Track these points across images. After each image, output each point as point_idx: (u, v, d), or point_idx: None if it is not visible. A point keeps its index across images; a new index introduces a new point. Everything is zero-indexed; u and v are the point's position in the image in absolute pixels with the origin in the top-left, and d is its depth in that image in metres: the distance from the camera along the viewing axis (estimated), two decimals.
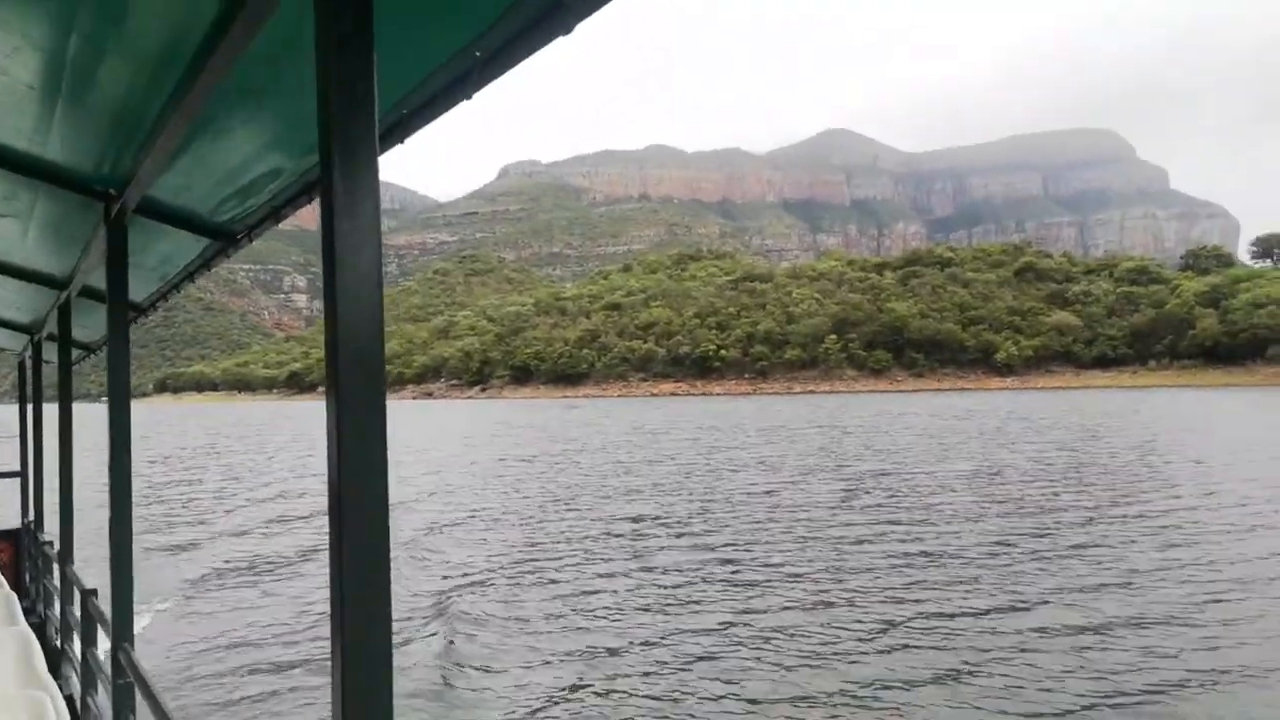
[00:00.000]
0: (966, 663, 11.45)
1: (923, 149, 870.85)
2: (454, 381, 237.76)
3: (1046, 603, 14.48)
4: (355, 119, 1.51)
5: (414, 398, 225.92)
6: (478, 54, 1.87)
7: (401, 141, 2.31)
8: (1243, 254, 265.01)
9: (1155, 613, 13.73)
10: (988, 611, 13.97)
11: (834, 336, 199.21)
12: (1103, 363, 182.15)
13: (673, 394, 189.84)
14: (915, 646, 12.22)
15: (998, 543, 19.71)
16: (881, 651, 12.04)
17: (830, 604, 14.63)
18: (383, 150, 2.12)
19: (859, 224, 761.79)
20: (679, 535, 21.62)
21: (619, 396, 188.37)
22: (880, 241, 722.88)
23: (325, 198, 1.54)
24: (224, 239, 4.01)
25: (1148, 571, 16.58)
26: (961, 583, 15.99)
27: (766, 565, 17.85)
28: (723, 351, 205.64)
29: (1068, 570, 16.87)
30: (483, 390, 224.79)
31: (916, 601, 14.68)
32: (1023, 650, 11.94)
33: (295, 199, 3.31)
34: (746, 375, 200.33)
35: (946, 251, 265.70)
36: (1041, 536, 20.35)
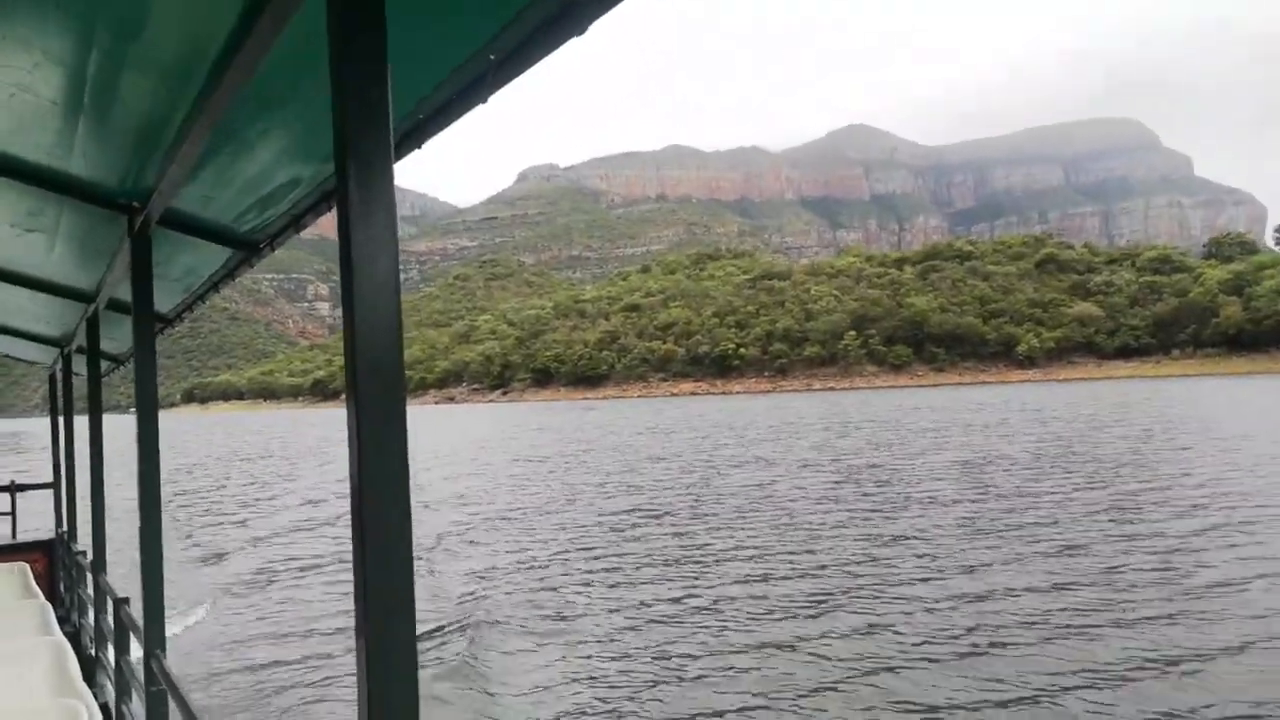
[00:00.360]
0: (906, 633, 12.65)
1: (941, 142, 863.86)
2: (475, 385, 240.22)
3: (976, 573, 15.62)
4: (370, 126, 1.52)
5: (436, 402, 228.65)
6: (492, 57, 1.87)
7: (419, 147, 2.31)
8: (1270, 241, 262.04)
9: (1081, 580, 14.86)
10: (927, 580, 15.14)
11: (853, 333, 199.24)
12: (1125, 353, 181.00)
13: (693, 393, 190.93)
14: (866, 616, 13.42)
15: (959, 525, 20.83)
16: (826, 616, 13.26)
17: (805, 576, 15.86)
18: (399, 156, 2.16)
19: (879, 219, 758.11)
20: (669, 526, 22.93)
21: (639, 397, 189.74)
22: (901, 236, 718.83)
23: (341, 205, 1.55)
24: (246, 249, 4.14)
25: (1085, 546, 17.72)
26: (917, 558, 17.14)
27: (746, 551, 19.08)
28: (742, 350, 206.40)
29: (1012, 547, 18.00)
30: (504, 394, 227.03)
31: (873, 579, 15.87)
32: (948, 617, 13.12)
33: (315, 207, 3.34)
34: (766, 373, 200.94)
35: (966, 245, 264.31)
36: (1001, 518, 21.41)
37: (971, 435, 48.17)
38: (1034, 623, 12.65)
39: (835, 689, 10.45)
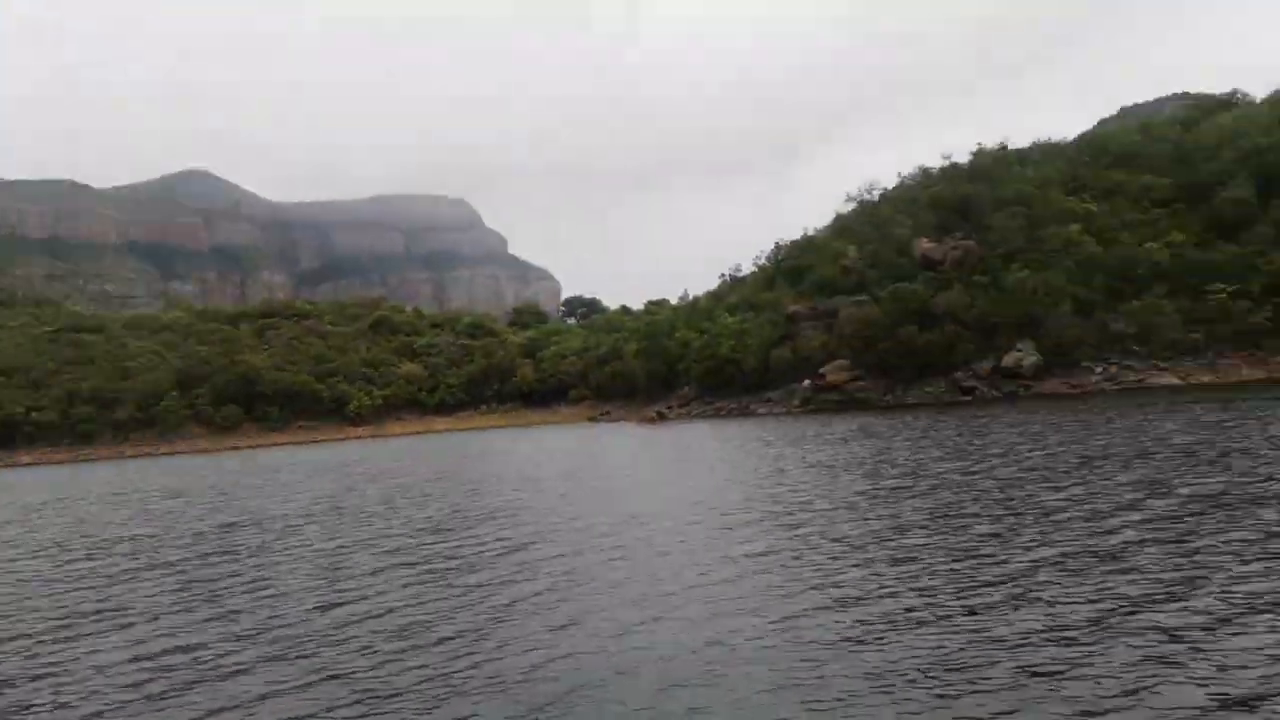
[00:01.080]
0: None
1: (288, 199, 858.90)
2: None
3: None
4: None
5: None
6: None
7: None
8: (558, 312, 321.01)
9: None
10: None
11: (176, 393, 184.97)
12: (444, 408, 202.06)
13: None
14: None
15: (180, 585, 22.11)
16: None
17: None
18: None
19: (220, 271, 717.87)
20: None
21: None
22: (244, 290, 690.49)
23: None
24: None
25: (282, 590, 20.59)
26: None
27: None
28: (35, 414, 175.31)
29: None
30: None
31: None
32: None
33: None
34: (66, 441, 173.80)
35: (306, 304, 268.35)
36: (223, 569, 23.33)
37: (256, 497, 49.38)
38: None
39: None
